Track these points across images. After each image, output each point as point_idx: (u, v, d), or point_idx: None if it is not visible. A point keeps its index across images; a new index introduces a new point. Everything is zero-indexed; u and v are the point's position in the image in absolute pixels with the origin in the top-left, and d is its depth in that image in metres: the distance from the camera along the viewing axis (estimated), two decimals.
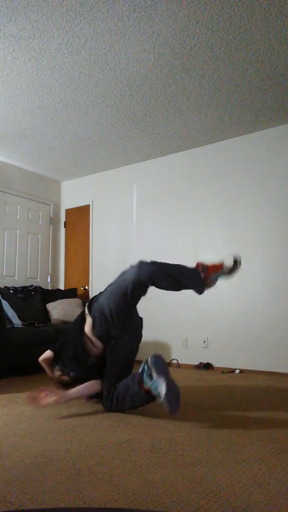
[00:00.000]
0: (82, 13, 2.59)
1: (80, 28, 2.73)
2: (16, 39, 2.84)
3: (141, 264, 2.32)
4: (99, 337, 2.46)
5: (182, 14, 2.61)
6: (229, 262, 2.47)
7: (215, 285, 2.50)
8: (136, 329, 2.58)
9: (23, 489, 1.37)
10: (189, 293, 4.55)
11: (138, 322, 2.61)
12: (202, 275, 2.39)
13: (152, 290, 4.91)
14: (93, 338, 2.48)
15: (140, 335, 2.64)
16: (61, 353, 2.58)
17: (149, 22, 2.68)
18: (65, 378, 2.51)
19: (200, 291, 2.44)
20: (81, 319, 2.57)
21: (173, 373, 4.03)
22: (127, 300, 2.37)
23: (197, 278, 2.40)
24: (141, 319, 2.66)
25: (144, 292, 2.41)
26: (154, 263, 2.35)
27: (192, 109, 3.84)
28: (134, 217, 5.21)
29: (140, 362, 2.44)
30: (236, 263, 2.47)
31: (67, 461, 1.62)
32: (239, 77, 3.33)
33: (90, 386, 2.41)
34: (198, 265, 2.43)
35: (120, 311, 2.38)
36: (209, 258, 4.52)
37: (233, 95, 3.60)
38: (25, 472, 1.52)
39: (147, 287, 2.36)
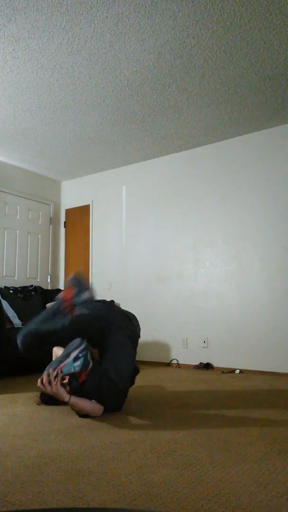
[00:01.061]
0: (82, 13, 2.59)
1: (80, 28, 2.73)
2: (16, 39, 2.84)
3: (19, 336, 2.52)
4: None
5: (182, 14, 2.61)
6: (71, 283, 2.57)
7: (92, 297, 2.55)
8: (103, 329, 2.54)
9: (23, 489, 1.36)
10: (189, 293, 4.58)
11: (113, 321, 2.55)
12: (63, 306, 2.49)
13: (151, 291, 4.88)
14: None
15: (107, 325, 2.54)
16: None
17: (149, 22, 2.68)
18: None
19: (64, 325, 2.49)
20: None
21: (173, 373, 4.05)
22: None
23: (60, 319, 2.49)
24: (125, 313, 2.64)
25: (44, 343, 2.59)
26: (20, 338, 2.52)
27: (192, 109, 3.84)
28: (133, 217, 5.21)
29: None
30: (73, 281, 2.57)
31: (67, 461, 1.62)
32: (239, 77, 3.33)
33: (97, 407, 2.30)
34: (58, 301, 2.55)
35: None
36: (209, 258, 4.54)
37: (233, 95, 3.60)
38: (25, 472, 1.52)
39: (37, 348, 2.56)
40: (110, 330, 2.49)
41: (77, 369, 2.23)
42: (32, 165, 5.30)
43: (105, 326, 2.50)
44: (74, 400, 2.23)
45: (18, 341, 2.47)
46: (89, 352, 2.30)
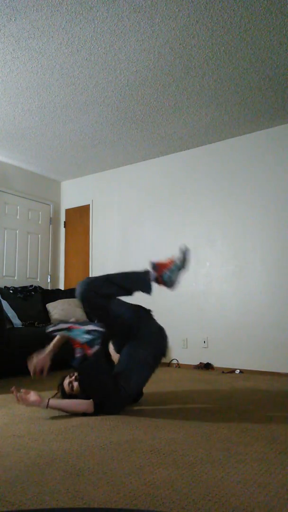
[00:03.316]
0: (82, 13, 2.59)
1: (80, 28, 2.73)
2: (16, 39, 2.84)
3: (79, 283, 2.41)
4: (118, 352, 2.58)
5: (182, 14, 2.61)
6: (178, 256, 2.57)
7: (177, 281, 2.56)
8: (143, 339, 2.51)
9: (23, 489, 1.36)
10: (190, 293, 4.58)
11: (144, 332, 2.53)
12: (153, 274, 2.50)
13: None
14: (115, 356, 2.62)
15: (148, 345, 2.50)
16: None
17: (149, 22, 2.67)
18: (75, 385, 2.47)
19: (147, 291, 2.52)
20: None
21: (173, 373, 4.05)
22: (95, 315, 2.51)
23: (142, 281, 2.51)
24: (159, 328, 2.61)
25: (98, 302, 2.43)
26: (90, 278, 2.49)
27: (192, 109, 3.84)
28: (134, 217, 5.20)
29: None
30: (184, 254, 2.57)
31: (67, 461, 1.62)
32: (239, 77, 3.33)
33: (82, 404, 2.32)
34: (151, 265, 2.53)
35: (105, 326, 2.46)
36: (209, 257, 4.54)
37: (233, 95, 3.60)
38: (25, 472, 1.52)
39: (95, 297, 2.40)
40: (138, 341, 2.46)
41: (83, 341, 2.22)
42: (32, 165, 5.30)
43: (134, 335, 2.47)
44: (53, 403, 2.27)
45: (81, 286, 2.38)
46: (100, 338, 2.28)
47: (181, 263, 2.56)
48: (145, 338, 2.47)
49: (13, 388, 2.26)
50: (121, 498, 1.29)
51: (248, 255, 4.27)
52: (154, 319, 2.61)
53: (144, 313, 2.62)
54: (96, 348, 2.25)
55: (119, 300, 2.55)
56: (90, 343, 2.23)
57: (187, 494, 1.31)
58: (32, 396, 2.24)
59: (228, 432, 1.99)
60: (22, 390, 2.27)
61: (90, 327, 2.29)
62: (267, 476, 1.46)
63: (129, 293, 2.54)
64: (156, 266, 2.52)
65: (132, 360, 2.41)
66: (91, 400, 2.33)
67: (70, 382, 2.48)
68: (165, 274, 2.51)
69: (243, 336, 4.18)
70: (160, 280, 2.52)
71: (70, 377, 2.51)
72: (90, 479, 1.44)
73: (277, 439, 1.88)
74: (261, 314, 4.11)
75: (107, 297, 2.43)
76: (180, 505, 1.24)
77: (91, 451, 1.74)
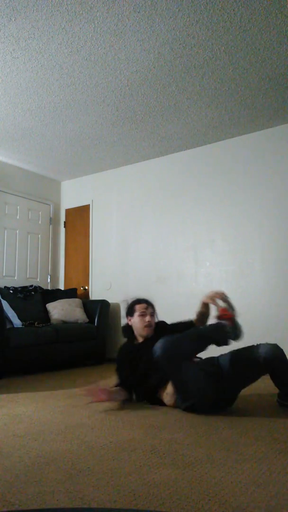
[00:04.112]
0: (82, 13, 2.59)
1: (80, 28, 2.73)
2: (16, 39, 2.84)
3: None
4: None
5: (182, 14, 2.61)
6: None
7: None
8: None
9: (23, 489, 1.36)
10: (189, 293, 4.57)
11: None
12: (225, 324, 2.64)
13: (151, 291, 4.85)
14: None
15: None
16: None
17: (149, 22, 2.67)
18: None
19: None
20: None
21: None
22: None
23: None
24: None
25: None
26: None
27: (192, 109, 3.84)
28: (134, 217, 5.20)
29: None
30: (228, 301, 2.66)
31: (67, 461, 1.62)
32: (239, 77, 3.33)
33: (124, 393, 2.59)
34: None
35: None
36: (209, 258, 4.53)
37: (233, 95, 3.60)
38: (25, 472, 1.52)
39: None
40: None
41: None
42: (32, 165, 5.30)
43: None
44: (118, 397, 2.54)
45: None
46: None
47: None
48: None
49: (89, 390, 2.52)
50: (121, 498, 1.29)
51: (248, 255, 4.27)
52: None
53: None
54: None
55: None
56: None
57: (187, 494, 1.31)
58: (103, 393, 2.46)
59: (228, 432, 1.99)
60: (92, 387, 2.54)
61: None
62: (267, 476, 1.46)
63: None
64: (221, 314, 2.57)
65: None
66: (122, 390, 2.59)
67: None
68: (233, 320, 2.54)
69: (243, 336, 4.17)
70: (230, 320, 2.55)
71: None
72: (90, 479, 1.44)
73: (277, 439, 1.88)
74: (261, 314, 4.10)
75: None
76: (180, 505, 1.24)
77: (91, 451, 1.74)
